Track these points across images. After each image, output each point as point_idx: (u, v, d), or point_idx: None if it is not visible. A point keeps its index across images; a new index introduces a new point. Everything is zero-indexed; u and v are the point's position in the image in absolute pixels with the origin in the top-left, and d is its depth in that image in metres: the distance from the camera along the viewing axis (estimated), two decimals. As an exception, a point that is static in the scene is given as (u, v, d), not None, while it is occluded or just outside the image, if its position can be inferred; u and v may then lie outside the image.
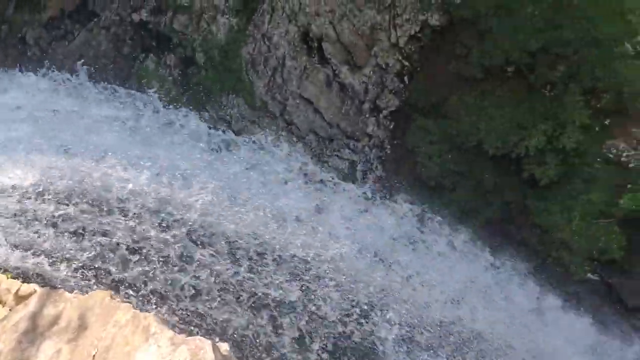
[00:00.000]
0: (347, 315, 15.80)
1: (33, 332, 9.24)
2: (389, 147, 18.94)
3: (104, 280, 14.87)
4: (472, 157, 18.15)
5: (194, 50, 20.79)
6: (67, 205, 15.84)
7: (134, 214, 16.03)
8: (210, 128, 19.99)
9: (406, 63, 18.84)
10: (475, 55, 17.81)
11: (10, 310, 10.36)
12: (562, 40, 17.35)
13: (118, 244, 15.49)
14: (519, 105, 17.79)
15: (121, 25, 21.71)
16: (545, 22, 17.38)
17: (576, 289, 17.84)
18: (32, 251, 14.90)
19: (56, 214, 15.60)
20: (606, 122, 18.50)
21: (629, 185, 17.95)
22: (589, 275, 18.14)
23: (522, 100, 17.87)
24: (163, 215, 16.21)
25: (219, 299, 14.93)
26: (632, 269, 18.16)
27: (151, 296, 14.83)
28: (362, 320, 15.79)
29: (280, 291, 15.54)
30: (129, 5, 21.64)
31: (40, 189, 15.95)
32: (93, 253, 15.14)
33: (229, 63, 20.19)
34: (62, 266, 14.80)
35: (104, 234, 15.59)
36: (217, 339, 12.74)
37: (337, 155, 18.87)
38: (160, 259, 15.41)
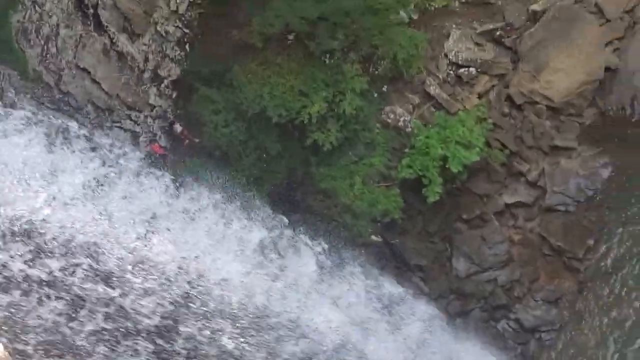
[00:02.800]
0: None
1: None
2: (172, 117, 18.42)
3: None
4: (257, 126, 18.03)
5: (-44, 18, 18.99)
6: None
7: None
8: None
9: (187, 31, 18.37)
10: (256, 23, 17.63)
11: None
12: (341, 9, 17.60)
13: None
14: (300, 73, 17.88)
15: None
16: (323, -9, 17.53)
17: (361, 251, 18.41)
18: None
19: None
20: (384, 89, 19.18)
21: (406, 150, 18.72)
22: (373, 237, 18.74)
23: (304, 68, 17.98)
24: None
25: None
26: (412, 229, 19.00)
27: None
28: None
29: None
30: None
31: None
32: None
33: (-2, 32, 18.64)
34: None
35: None
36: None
37: (119, 127, 18.05)
38: None
